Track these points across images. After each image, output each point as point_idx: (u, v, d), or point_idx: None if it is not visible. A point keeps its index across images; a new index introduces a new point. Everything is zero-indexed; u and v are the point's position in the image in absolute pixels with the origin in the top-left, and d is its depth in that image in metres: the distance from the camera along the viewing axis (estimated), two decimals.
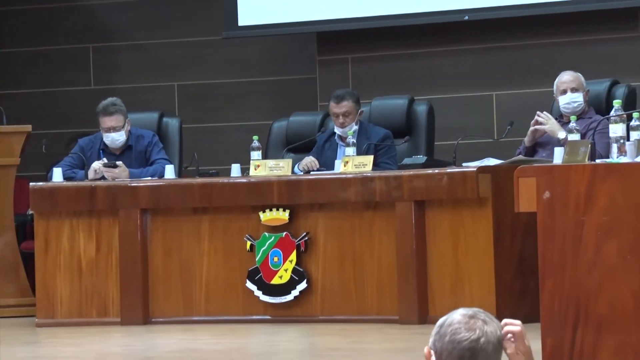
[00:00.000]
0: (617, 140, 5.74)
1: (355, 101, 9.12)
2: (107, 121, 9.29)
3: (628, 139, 5.75)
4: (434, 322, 3.47)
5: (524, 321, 7.39)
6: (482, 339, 3.30)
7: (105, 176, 9.11)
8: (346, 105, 9.07)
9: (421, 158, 8.84)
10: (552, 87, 8.76)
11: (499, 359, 3.33)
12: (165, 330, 8.63)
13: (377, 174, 8.57)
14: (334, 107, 9.12)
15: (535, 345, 5.61)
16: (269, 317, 8.68)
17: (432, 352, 3.34)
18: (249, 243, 8.74)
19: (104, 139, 9.33)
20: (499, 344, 3.34)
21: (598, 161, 5.78)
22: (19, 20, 11.88)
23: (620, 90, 8.71)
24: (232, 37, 11.02)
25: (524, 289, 7.84)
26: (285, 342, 8.16)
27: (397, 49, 10.74)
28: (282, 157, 9.14)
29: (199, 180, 9.11)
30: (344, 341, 7.87)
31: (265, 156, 9.19)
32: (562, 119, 8.54)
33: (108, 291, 8.96)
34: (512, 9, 10.27)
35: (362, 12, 10.64)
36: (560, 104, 8.65)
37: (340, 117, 9.07)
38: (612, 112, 5.88)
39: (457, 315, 3.35)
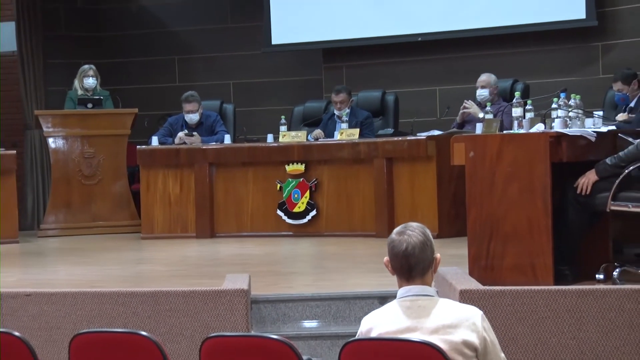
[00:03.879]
0: (517, 118, 5.73)
1: (348, 93, 9.09)
2: (187, 106, 9.29)
3: (524, 118, 5.76)
4: None
5: (456, 235, 7.50)
6: (409, 247, 3.25)
7: (186, 142, 9.13)
8: (342, 96, 9.04)
9: (390, 130, 8.83)
10: (475, 84, 8.76)
11: (426, 254, 3.27)
12: (225, 241, 8.64)
13: (362, 140, 8.56)
14: (334, 97, 9.09)
15: (463, 251, 5.66)
16: (291, 233, 8.70)
17: (389, 261, 3.36)
18: (278, 185, 8.75)
19: (185, 118, 9.32)
20: (422, 244, 3.26)
21: (505, 132, 5.78)
22: (131, 40, 11.86)
23: (519, 85, 8.67)
24: (267, 51, 10.97)
25: (457, 214, 7.83)
26: (302, 249, 8.16)
27: (375, 60, 10.69)
28: (300, 130, 9.16)
29: (247, 144, 9.14)
30: (340, 248, 7.88)
31: (289, 129, 9.15)
32: (481, 105, 8.55)
33: (187, 216, 8.98)
34: (450, 33, 10.20)
35: (351, 35, 10.57)
36: (477, 95, 8.68)
37: (338, 103, 9.04)
38: (514, 100, 5.90)
39: (393, 235, 3.31)
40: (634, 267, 5.44)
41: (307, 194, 8.66)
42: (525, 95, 8.02)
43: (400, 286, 3.33)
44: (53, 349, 5.02)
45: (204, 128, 9.32)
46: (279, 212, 8.74)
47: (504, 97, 8.64)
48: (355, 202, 8.56)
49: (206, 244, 8.60)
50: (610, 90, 8.19)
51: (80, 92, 9.67)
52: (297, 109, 9.75)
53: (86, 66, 9.74)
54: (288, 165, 8.72)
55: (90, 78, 9.64)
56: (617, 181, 5.22)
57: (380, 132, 8.85)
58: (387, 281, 4.79)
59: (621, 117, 7.46)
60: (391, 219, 8.19)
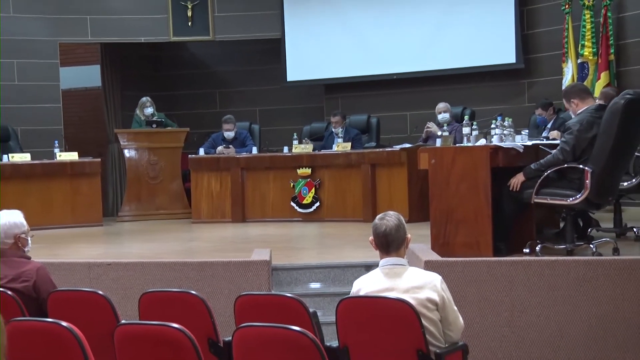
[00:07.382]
0: (466, 135, 5.72)
1: (343, 117, 9.06)
2: (226, 126, 9.22)
3: (471, 134, 5.75)
4: None
5: (422, 220, 7.48)
6: (387, 229, 3.22)
7: (224, 153, 9.11)
8: (338, 118, 9.01)
9: (373, 144, 8.85)
10: (435, 110, 8.73)
11: (400, 234, 3.23)
12: (253, 225, 8.60)
13: (353, 151, 8.54)
14: (332, 119, 9.07)
15: (427, 232, 5.64)
16: (301, 219, 8.66)
17: (373, 239, 3.34)
18: (292, 184, 8.73)
19: (224, 134, 9.23)
20: (397, 227, 3.22)
21: (457, 145, 5.77)
22: (184, 77, 11.87)
23: (468, 111, 8.62)
24: (285, 86, 10.95)
25: (422, 205, 7.75)
26: (309, 230, 8.12)
27: (362, 92, 10.67)
28: (307, 143, 9.13)
29: (268, 154, 9.09)
30: (338, 230, 7.85)
31: (299, 142, 9.13)
32: (441, 125, 8.52)
33: (225, 206, 8.95)
34: (417, 73, 10.18)
35: (345, 74, 10.56)
36: (438, 118, 8.63)
37: (335, 124, 9.02)
38: (464, 122, 5.87)
39: (376, 220, 3.29)
40: (551, 244, 5.43)
41: (313, 190, 8.64)
42: (472, 118, 8.01)
43: (381, 258, 3.31)
44: (127, 304, 5.00)
45: (238, 142, 9.29)
46: (292, 204, 8.72)
47: (456, 119, 8.63)
48: (348, 196, 8.54)
49: (239, 226, 8.56)
50: (533, 115, 8.27)
51: (142, 117, 9.68)
52: (305, 128, 9.72)
53: (144, 99, 9.75)
54: (299, 169, 8.69)
55: (149, 108, 9.67)
56: (539, 181, 5.23)
57: (367, 145, 8.85)
58: (371, 254, 4.77)
59: (553, 134, 7.25)
60: (374, 208, 8.17)
